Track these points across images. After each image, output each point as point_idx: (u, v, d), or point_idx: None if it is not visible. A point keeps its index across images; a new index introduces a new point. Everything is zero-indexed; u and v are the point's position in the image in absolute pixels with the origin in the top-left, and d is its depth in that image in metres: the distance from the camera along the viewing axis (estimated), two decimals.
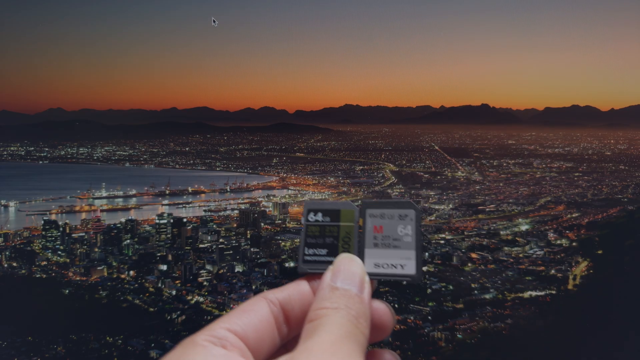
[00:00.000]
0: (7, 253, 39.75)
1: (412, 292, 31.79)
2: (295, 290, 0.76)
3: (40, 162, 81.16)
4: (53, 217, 47.56)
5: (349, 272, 0.72)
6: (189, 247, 40.15)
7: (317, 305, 0.67)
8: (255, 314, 0.71)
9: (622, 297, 31.75)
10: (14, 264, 39.03)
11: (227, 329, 0.67)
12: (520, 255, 39.32)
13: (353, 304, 0.67)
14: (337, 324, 0.63)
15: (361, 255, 0.78)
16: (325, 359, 0.57)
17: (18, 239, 42.88)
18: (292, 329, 0.75)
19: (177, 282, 35.76)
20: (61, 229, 41.47)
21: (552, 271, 36.66)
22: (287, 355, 0.60)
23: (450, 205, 50.89)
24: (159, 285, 35.34)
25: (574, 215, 48.69)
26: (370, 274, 0.76)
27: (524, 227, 45.11)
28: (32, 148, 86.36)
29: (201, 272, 36.59)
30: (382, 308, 0.74)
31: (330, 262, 0.75)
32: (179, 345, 0.64)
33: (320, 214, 0.81)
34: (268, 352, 0.72)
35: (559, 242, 42.00)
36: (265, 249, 39.91)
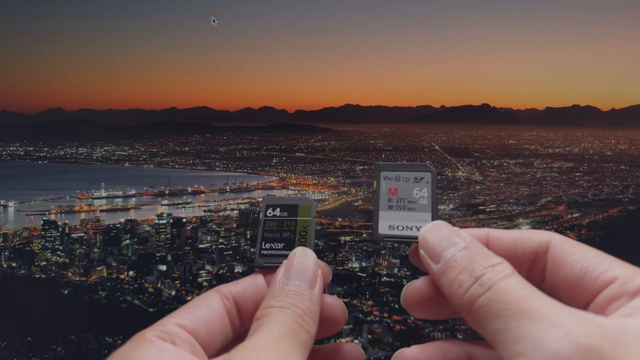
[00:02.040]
0: (7, 253, 39.75)
1: None
2: (250, 284, 0.77)
3: (40, 162, 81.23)
4: (52, 217, 47.53)
5: (301, 267, 0.72)
6: (188, 248, 40.10)
7: (265, 303, 0.67)
8: (207, 309, 0.70)
9: None
10: (13, 264, 39.02)
11: (177, 324, 0.66)
12: None
13: (301, 301, 0.66)
14: (279, 323, 0.63)
15: (375, 217, 0.78)
16: (261, 356, 0.56)
17: (17, 239, 42.84)
18: (244, 323, 0.74)
19: (177, 282, 35.71)
20: (60, 229, 41.43)
21: None
22: (224, 355, 0.58)
23: (451, 206, 50.80)
24: (159, 285, 35.30)
25: (574, 216, 48.63)
26: (384, 236, 0.77)
27: (524, 227, 45.01)
28: (32, 148, 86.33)
29: (201, 272, 36.55)
30: (334, 303, 0.74)
31: (286, 256, 0.75)
32: (129, 340, 0.63)
33: (278, 209, 0.81)
34: (220, 345, 0.71)
35: None
36: None
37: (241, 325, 0.74)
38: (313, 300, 0.68)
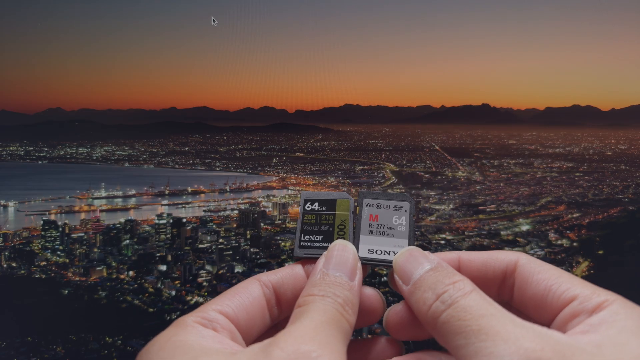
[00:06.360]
0: (7, 253, 39.71)
1: None
2: (289, 274, 0.78)
3: (40, 162, 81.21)
4: (52, 217, 47.50)
5: (341, 259, 0.74)
6: (188, 248, 40.07)
7: (306, 291, 0.69)
8: (247, 296, 0.72)
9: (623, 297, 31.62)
10: (13, 264, 38.99)
11: (218, 310, 0.68)
12: None
13: (341, 291, 0.68)
14: (321, 310, 0.64)
15: (356, 241, 0.81)
16: (303, 342, 0.58)
17: (17, 239, 42.81)
18: (283, 311, 0.76)
19: (177, 282, 35.69)
20: (60, 229, 41.40)
21: None
22: (268, 340, 0.60)
23: (451, 206, 50.76)
24: (159, 285, 35.27)
25: (574, 216, 48.59)
26: (364, 259, 0.80)
27: (524, 228, 45.02)
28: (32, 148, 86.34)
29: (201, 272, 36.52)
30: (372, 294, 0.77)
31: (325, 248, 0.77)
32: (170, 326, 0.66)
33: (316, 204, 0.84)
34: (258, 333, 0.73)
35: (559, 242, 41.92)
36: (265, 249, 39.82)
37: (279, 313, 0.76)
38: (353, 292, 0.70)
